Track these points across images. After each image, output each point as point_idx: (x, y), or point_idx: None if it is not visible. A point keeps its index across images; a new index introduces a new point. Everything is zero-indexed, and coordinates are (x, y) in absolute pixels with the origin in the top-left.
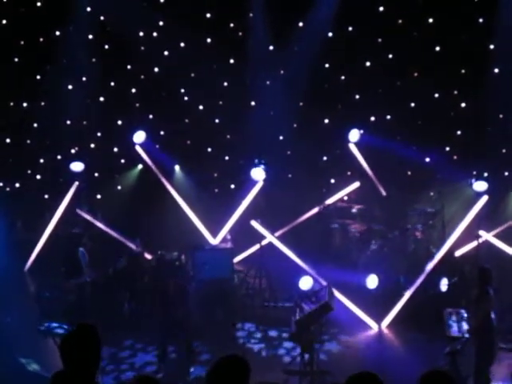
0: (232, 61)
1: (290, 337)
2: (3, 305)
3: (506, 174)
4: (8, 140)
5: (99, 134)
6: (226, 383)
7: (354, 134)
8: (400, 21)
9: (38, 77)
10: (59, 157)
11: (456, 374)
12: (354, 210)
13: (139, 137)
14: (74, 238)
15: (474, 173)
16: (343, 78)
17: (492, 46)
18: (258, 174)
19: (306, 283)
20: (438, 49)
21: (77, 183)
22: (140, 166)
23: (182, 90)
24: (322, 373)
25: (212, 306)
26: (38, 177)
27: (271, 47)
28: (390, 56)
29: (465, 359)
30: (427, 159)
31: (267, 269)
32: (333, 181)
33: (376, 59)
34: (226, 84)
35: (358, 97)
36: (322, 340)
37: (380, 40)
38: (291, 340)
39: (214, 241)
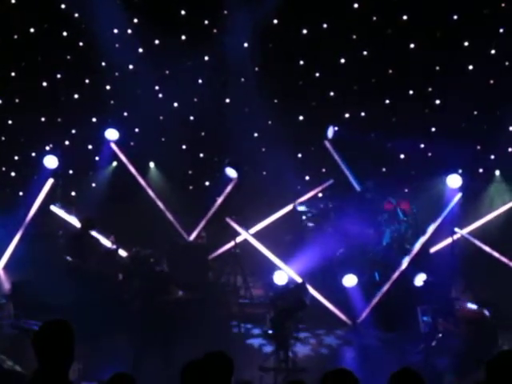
0: (206, 58)
1: (265, 334)
2: None
3: (481, 170)
4: None
5: (74, 132)
6: (210, 380)
7: (329, 131)
8: (374, 18)
9: (13, 74)
10: (33, 154)
11: (430, 371)
12: (328, 208)
13: (111, 134)
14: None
15: (449, 169)
16: (318, 74)
17: (466, 43)
18: (233, 171)
19: (280, 277)
20: (412, 46)
21: (51, 180)
22: (115, 163)
23: (157, 87)
24: (297, 370)
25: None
26: (13, 174)
27: (246, 44)
28: (365, 53)
29: (438, 355)
30: (402, 156)
31: (242, 266)
32: (307, 178)
33: (350, 56)
34: (200, 81)
35: (332, 94)
36: (296, 337)
37: (354, 37)
38: (266, 337)
39: (189, 238)
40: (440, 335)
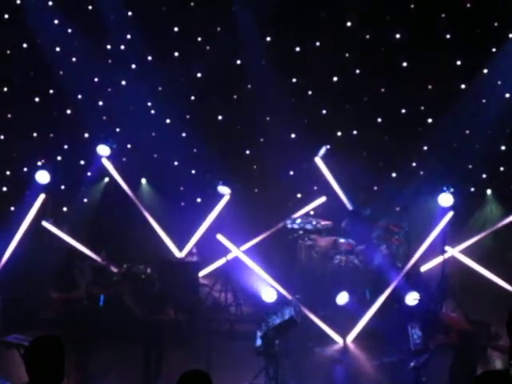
0: (199, 75)
1: (255, 350)
2: None
3: (473, 189)
4: None
5: (66, 147)
6: None
7: (321, 149)
8: (367, 36)
9: (5, 89)
10: (25, 169)
11: None
12: (319, 225)
13: (103, 150)
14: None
15: (441, 188)
16: (310, 92)
17: (459, 62)
18: (225, 188)
19: (269, 295)
20: (405, 64)
21: (43, 196)
22: (106, 179)
23: (149, 104)
24: None
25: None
26: (4, 189)
27: (238, 61)
28: (358, 71)
29: (429, 373)
30: (393, 174)
31: (233, 283)
32: (299, 195)
33: (343, 74)
34: (192, 98)
35: (324, 112)
36: (287, 354)
37: (347, 55)
38: (256, 354)
39: (180, 254)
40: (431, 353)
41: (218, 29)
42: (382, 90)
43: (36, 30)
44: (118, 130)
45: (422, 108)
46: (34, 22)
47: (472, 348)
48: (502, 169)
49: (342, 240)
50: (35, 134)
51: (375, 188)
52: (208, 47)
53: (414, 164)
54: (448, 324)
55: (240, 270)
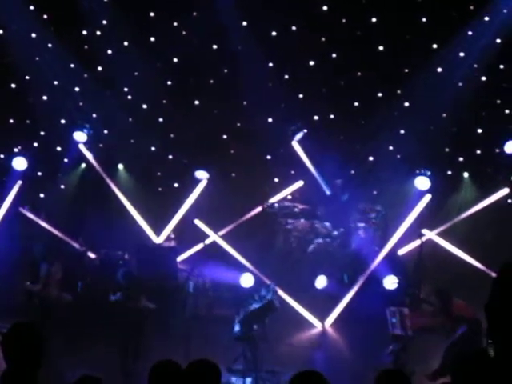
0: (176, 60)
1: (234, 335)
2: None
3: (449, 172)
4: None
5: (42, 133)
6: None
7: (298, 134)
8: (343, 20)
9: None
10: (2, 156)
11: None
12: (297, 209)
13: (79, 136)
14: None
15: (418, 171)
16: (287, 77)
17: (435, 46)
18: (202, 173)
19: (246, 280)
20: (381, 48)
21: (20, 182)
22: (83, 165)
23: (126, 89)
24: (265, 372)
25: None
26: None
27: (215, 46)
28: (334, 55)
29: (408, 357)
30: (370, 158)
31: (209, 268)
32: (276, 180)
33: (319, 58)
34: (169, 83)
35: (301, 96)
36: (265, 339)
37: (323, 39)
38: (235, 339)
39: (158, 239)
40: (409, 336)
41: (195, 14)
42: (359, 73)
43: (11, 16)
44: (94, 115)
45: (399, 92)
46: (8, 7)
47: (480, 335)
48: (478, 152)
49: (319, 224)
50: (11, 121)
51: (352, 172)
52: (184, 32)
53: (391, 147)
54: (457, 312)
55: (215, 257)
